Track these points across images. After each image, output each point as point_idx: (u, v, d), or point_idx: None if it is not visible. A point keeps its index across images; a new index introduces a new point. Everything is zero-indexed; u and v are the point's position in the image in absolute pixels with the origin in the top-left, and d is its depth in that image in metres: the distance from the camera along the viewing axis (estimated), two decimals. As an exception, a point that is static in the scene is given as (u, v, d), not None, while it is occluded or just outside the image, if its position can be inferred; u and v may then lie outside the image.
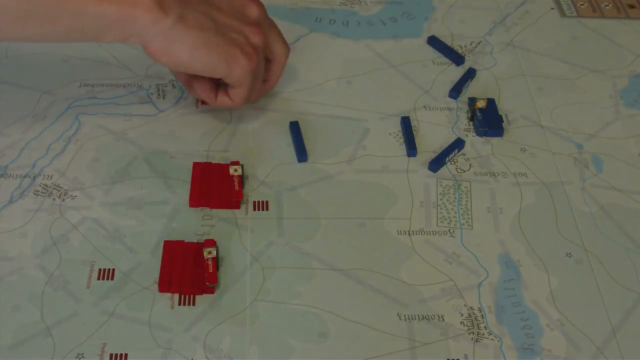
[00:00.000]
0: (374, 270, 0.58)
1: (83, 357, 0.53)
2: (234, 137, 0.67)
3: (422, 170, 0.65)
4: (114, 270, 0.57)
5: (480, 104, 0.69)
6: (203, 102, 0.70)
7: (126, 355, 0.53)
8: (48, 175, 0.63)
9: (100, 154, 0.65)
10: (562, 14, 0.82)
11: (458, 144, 0.67)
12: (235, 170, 0.63)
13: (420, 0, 0.83)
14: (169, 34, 0.58)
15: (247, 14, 0.63)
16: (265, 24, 0.65)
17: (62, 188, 0.62)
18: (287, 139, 0.67)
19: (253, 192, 0.63)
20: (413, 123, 0.69)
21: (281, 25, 0.67)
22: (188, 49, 0.59)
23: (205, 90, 0.65)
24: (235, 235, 0.60)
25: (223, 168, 0.63)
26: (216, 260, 0.57)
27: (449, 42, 0.77)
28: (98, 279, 0.57)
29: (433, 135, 0.68)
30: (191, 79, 0.66)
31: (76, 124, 0.67)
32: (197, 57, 0.60)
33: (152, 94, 0.70)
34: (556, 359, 0.54)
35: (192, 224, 0.61)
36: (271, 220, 0.61)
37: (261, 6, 0.64)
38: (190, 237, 0.60)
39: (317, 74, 0.73)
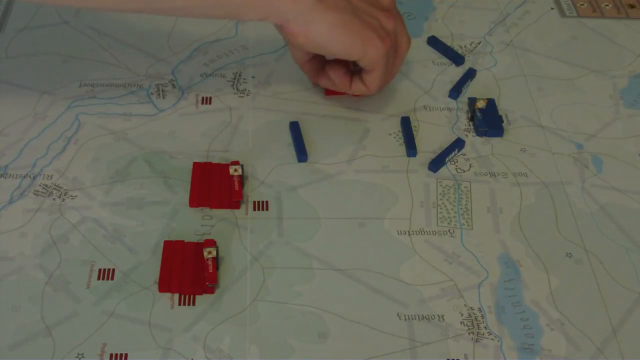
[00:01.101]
0: (374, 270, 0.58)
1: (83, 357, 0.53)
2: (234, 137, 0.67)
3: (422, 170, 0.65)
4: (114, 270, 0.57)
5: (480, 104, 0.69)
6: (328, 92, 0.70)
7: (126, 355, 0.53)
8: (48, 175, 0.63)
9: (100, 154, 0.65)
10: (562, 14, 0.82)
11: (458, 144, 0.67)
12: (235, 170, 0.63)
13: (420, 0, 0.83)
14: (308, 14, 0.59)
15: (379, 1, 0.65)
16: (394, 13, 0.66)
17: (62, 188, 0.62)
18: (287, 139, 0.67)
19: (253, 192, 0.63)
20: (413, 123, 0.69)
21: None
22: (327, 29, 0.60)
23: (340, 75, 0.67)
24: (235, 235, 0.60)
25: (223, 168, 0.63)
26: (216, 260, 0.57)
27: (449, 42, 0.77)
28: (98, 279, 0.57)
29: (433, 135, 0.68)
30: (324, 66, 0.67)
31: (76, 124, 0.67)
32: (335, 37, 0.61)
33: (152, 93, 0.70)
34: (556, 359, 0.54)
35: (192, 224, 0.61)
36: (271, 220, 0.61)
37: None
38: (190, 237, 0.60)
39: (317, 74, 0.73)
